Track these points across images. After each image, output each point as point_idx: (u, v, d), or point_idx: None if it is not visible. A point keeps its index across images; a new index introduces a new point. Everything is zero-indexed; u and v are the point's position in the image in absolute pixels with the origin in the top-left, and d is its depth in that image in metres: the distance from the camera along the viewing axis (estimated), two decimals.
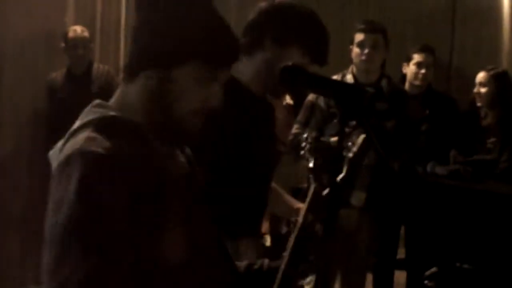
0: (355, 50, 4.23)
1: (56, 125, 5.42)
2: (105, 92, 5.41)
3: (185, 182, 1.67)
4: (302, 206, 1.90)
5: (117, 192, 1.47)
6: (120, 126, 1.58)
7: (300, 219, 1.77)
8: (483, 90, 4.86)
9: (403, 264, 5.11)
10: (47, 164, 5.60)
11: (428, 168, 4.68)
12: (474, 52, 6.78)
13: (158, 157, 1.61)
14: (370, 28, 4.22)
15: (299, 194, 4.53)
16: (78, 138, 1.54)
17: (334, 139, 3.91)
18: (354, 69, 4.29)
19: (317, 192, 1.79)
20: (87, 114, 1.61)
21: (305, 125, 4.24)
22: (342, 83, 2.95)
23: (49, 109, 5.49)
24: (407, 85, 4.97)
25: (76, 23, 5.62)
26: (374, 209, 4.25)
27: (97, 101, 1.65)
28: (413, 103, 4.62)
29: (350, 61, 4.38)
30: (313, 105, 4.26)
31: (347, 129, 1.69)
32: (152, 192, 1.53)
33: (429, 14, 6.99)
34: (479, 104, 4.90)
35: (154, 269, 1.54)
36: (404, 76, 5.02)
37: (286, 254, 1.77)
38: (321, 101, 4.22)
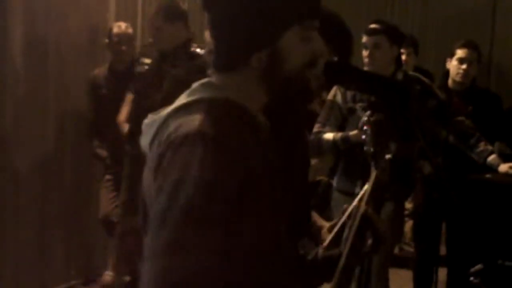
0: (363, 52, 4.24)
1: (98, 120, 5.47)
2: None
3: (279, 167, 1.69)
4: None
5: (234, 177, 1.48)
6: (232, 109, 1.59)
7: (361, 208, 1.75)
8: None
9: (444, 261, 5.09)
10: (90, 161, 5.60)
11: None
12: None
13: (264, 142, 1.63)
14: (370, 31, 4.20)
15: (318, 187, 4.57)
16: (193, 117, 1.54)
17: (353, 133, 3.97)
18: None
19: (378, 180, 1.78)
20: (197, 91, 1.62)
21: (325, 125, 4.27)
22: (389, 79, 2.94)
23: (91, 105, 5.52)
24: (449, 81, 4.93)
25: (117, 19, 5.67)
26: (396, 198, 4.24)
27: (205, 80, 1.66)
28: (455, 99, 4.59)
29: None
30: (332, 103, 4.29)
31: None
32: (256, 178, 1.53)
33: (470, 10, 6.95)
34: None
35: (251, 254, 1.54)
36: (447, 72, 4.98)
37: (347, 241, 1.75)
38: (339, 98, 4.24)
